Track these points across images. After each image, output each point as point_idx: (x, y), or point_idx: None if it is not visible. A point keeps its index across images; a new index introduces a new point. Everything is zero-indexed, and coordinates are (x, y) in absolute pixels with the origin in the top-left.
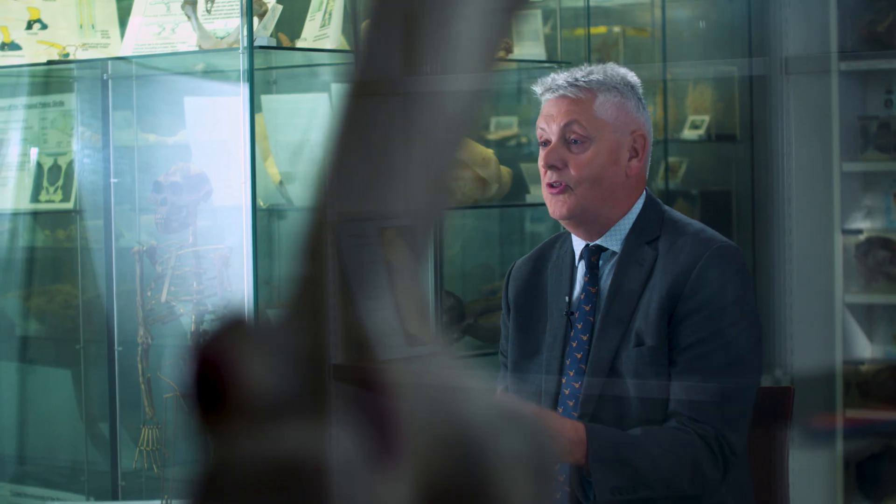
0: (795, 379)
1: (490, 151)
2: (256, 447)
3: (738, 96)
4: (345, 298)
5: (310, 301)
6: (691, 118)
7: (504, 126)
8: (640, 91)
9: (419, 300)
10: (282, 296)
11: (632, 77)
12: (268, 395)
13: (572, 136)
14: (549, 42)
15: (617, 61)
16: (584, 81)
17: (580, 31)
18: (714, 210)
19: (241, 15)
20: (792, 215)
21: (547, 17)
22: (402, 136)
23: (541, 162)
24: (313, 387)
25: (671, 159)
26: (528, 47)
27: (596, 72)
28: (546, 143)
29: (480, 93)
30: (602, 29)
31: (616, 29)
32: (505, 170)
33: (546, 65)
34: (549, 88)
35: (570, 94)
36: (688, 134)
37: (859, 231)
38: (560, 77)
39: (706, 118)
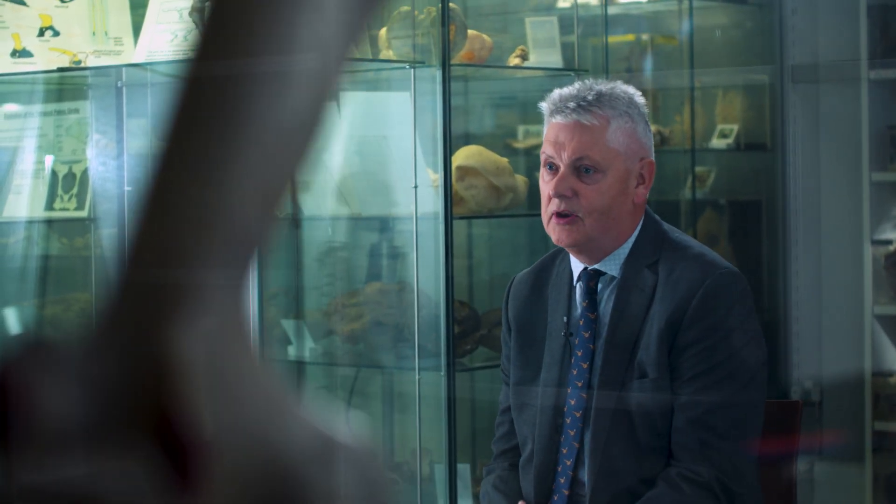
0: (824, 391)
1: (505, 160)
2: (44, 481)
3: (768, 105)
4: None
5: (118, 328)
6: (720, 127)
7: (532, 134)
8: (646, 111)
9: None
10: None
11: (638, 98)
12: (62, 425)
13: (584, 167)
14: (576, 50)
15: (644, 70)
16: (597, 106)
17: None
18: (743, 220)
19: None
20: (821, 225)
21: (577, 24)
22: (232, 144)
23: (549, 189)
24: (113, 419)
25: (699, 169)
26: (545, 55)
27: (606, 94)
28: (552, 166)
29: (327, 97)
30: (630, 37)
31: (644, 37)
32: (521, 179)
33: (566, 73)
34: (560, 110)
35: (583, 121)
36: (716, 143)
37: (889, 242)
38: (569, 97)
39: (735, 127)
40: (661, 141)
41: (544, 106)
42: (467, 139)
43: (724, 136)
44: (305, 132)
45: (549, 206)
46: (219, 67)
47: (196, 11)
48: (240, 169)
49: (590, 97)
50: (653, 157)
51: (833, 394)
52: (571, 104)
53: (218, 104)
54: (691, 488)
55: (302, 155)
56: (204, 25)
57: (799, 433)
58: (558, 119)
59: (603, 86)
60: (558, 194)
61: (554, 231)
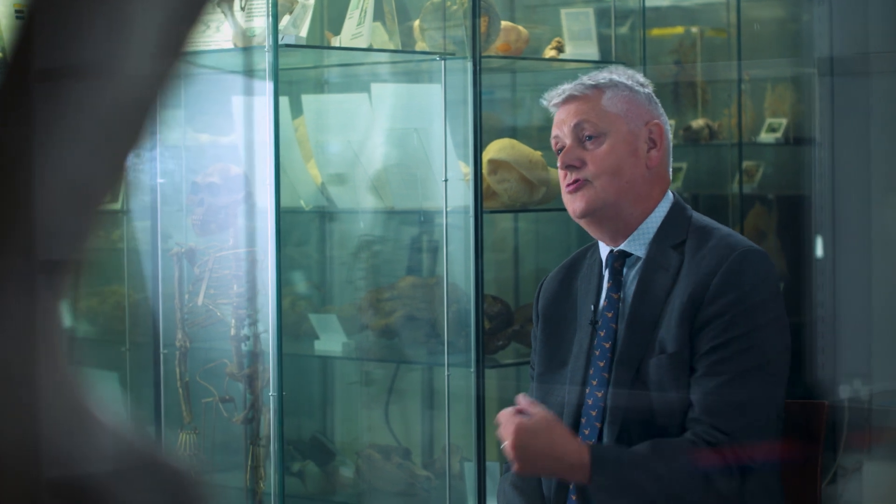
0: (873, 390)
1: (538, 153)
2: None
3: (817, 99)
4: None
5: None
6: (769, 121)
7: None
8: (651, 89)
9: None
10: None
11: (640, 77)
12: None
13: (585, 133)
14: (613, 42)
15: (694, 62)
16: (590, 80)
17: (656, 32)
18: (791, 216)
19: (267, 14)
20: (871, 222)
21: (624, 17)
22: (42, 143)
23: (559, 164)
24: None
25: (748, 163)
26: (582, 46)
27: (601, 74)
28: (562, 148)
29: (153, 98)
30: (679, 29)
31: (693, 29)
32: (554, 172)
33: (603, 65)
34: (557, 95)
35: (576, 93)
36: (765, 137)
37: None
38: (566, 84)
39: (784, 121)
40: (710, 134)
41: (544, 102)
42: (514, 132)
43: (772, 130)
44: (128, 133)
45: (563, 183)
46: (35, 67)
47: (225, 1)
48: (50, 168)
49: (584, 77)
50: (662, 122)
51: (883, 393)
52: (566, 87)
53: (29, 103)
54: (704, 449)
55: (122, 156)
56: (23, 24)
57: (823, 436)
58: (556, 101)
59: (603, 70)
60: (566, 165)
61: (569, 204)
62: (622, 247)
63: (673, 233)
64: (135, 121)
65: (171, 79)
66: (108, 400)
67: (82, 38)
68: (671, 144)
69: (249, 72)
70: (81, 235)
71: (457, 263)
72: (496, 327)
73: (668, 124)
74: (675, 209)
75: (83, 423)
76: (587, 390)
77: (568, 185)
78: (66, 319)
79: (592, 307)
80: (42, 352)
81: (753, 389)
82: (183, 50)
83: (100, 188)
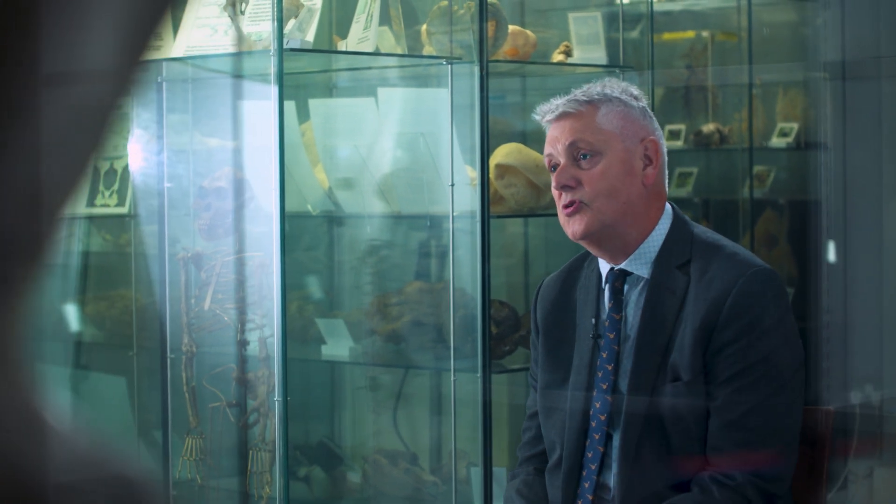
0: (885, 395)
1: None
2: None
3: (829, 103)
4: None
5: None
6: (780, 125)
7: None
8: (644, 102)
9: None
10: (342, 305)
11: (634, 89)
12: None
13: (580, 152)
14: (621, 47)
15: (705, 66)
16: (583, 96)
17: (667, 36)
18: (802, 221)
19: (273, 18)
20: (882, 227)
21: (634, 21)
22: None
23: (553, 184)
24: None
25: (759, 168)
26: (589, 51)
27: (594, 88)
28: (556, 166)
29: (121, 90)
30: (690, 33)
31: (704, 33)
32: None
33: (611, 69)
34: (550, 111)
35: (570, 110)
36: (776, 142)
37: None
38: (559, 99)
39: (795, 125)
40: (721, 139)
41: (537, 117)
42: (521, 137)
43: (784, 134)
44: (90, 136)
45: (559, 204)
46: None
47: (230, 5)
48: (12, 172)
49: (577, 92)
50: (657, 137)
51: (893, 399)
52: (559, 102)
53: None
54: (721, 492)
55: (85, 160)
56: None
57: (829, 442)
58: (549, 118)
59: (594, 84)
60: (560, 185)
61: (566, 226)
62: (623, 266)
63: (677, 252)
64: (97, 123)
65: (134, 80)
66: (65, 406)
67: (44, 39)
68: (666, 160)
69: (256, 76)
70: (43, 241)
71: (464, 268)
72: (503, 332)
73: (663, 139)
74: (676, 225)
75: (34, 430)
76: (591, 412)
77: (564, 207)
78: (23, 326)
79: (593, 321)
80: None
81: (775, 413)
82: (146, 50)
83: (62, 192)
